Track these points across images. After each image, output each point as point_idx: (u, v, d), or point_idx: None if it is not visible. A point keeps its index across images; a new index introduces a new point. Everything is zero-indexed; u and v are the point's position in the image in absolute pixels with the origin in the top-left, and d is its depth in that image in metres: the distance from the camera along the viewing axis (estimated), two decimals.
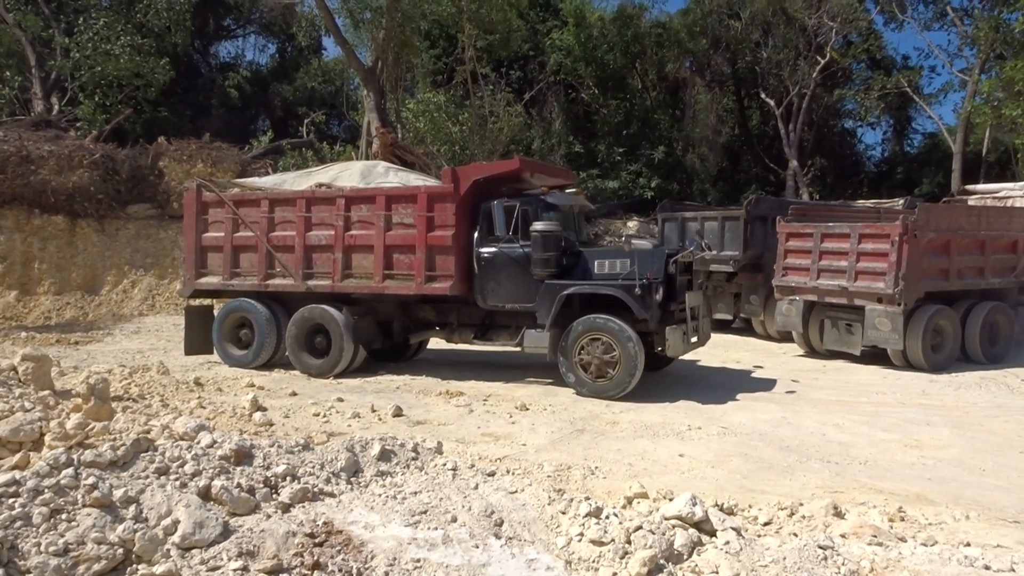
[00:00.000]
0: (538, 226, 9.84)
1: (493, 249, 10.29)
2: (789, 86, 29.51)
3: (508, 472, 5.70)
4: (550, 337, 9.85)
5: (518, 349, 10.43)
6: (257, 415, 8.06)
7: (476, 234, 10.42)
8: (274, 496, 4.78)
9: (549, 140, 28.80)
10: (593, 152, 28.67)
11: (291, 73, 37.05)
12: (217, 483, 4.57)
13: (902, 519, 5.01)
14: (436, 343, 12.55)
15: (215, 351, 11.83)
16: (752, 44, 30.83)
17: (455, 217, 10.28)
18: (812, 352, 13.28)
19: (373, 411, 8.63)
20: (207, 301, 12.53)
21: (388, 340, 11.70)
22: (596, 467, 6.73)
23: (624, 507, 5.21)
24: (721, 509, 5.11)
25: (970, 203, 14.71)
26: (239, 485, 4.70)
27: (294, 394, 9.58)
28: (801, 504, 5.20)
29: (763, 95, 31.01)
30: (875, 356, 12.46)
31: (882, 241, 11.38)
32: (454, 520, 4.67)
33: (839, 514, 4.91)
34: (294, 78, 36.69)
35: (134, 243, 20.29)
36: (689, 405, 9.38)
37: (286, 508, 4.68)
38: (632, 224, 24.56)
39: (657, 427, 8.23)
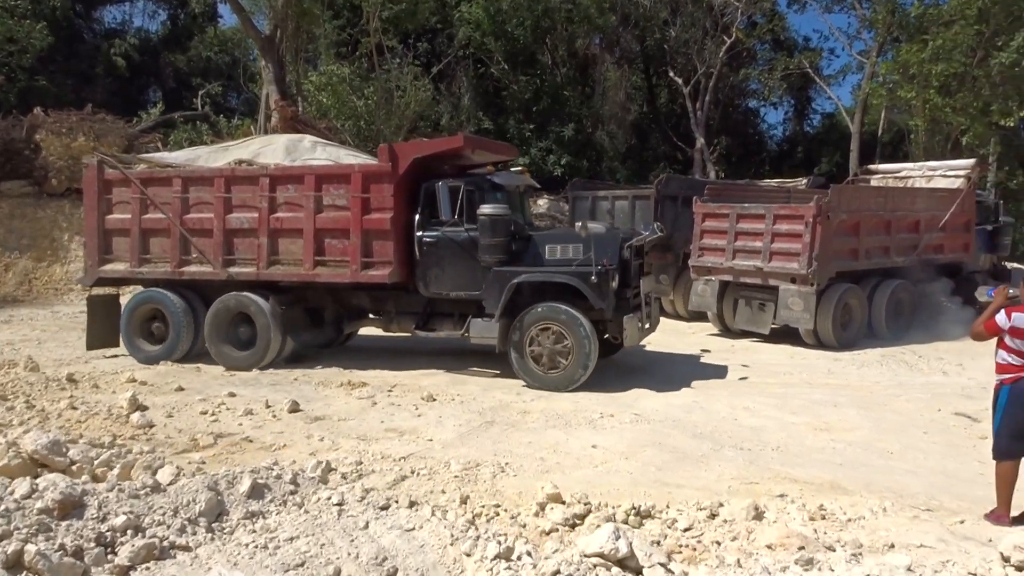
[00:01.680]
0: (486, 209, 9.24)
1: (436, 233, 9.59)
2: (697, 65, 29.74)
3: (407, 500, 5.00)
4: (499, 327, 9.25)
5: (460, 337, 9.80)
6: (135, 416, 7.35)
7: (417, 217, 9.67)
8: (110, 557, 3.92)
9: (458, 116, 28.15)
10: (503, 128, 28.18)
11: (184, 42, 34.99)
12: (32, 547, 3.68)
13: (823, 517, 4.82)
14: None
15: (124, 346, 10.75)
16: (660, 22, 30.90)
17: (393, 199, 9.52)
18: (726, 331, 13.31)
19: (267, 407, 8.03)
20: (112, 289, 11.33)
21: (319, 329, 10.87)
22: (506, 463, 6.35)
23: (536, 514, 4.84)
24: (639, 514, 4.82)
25: (872, 183, 15.02)
26: (62, 547, 3.84)
27: (181, 389, 8.84)
28: (721, 504, 4.96)
29: (671, 73, 31.18)
30: (783, 334, 12.56)
31: (796, 222, 11.43)
32: (338, 573, 4.04)
33: (759, 515, 4.68)
34: (188, 47, 34.69)
35: (7, 223, 18.72)
36: (602, 389, 9.12)
37: (124, 573, 3.86)
38: (542, 202, 24.28)
39: (569, 416, 7.93)
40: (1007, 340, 4.68)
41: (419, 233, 9.65)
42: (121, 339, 10.77)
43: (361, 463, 6.24)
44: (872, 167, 16.36)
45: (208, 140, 21.88)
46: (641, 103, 33.59)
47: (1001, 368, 4.77)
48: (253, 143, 11.51)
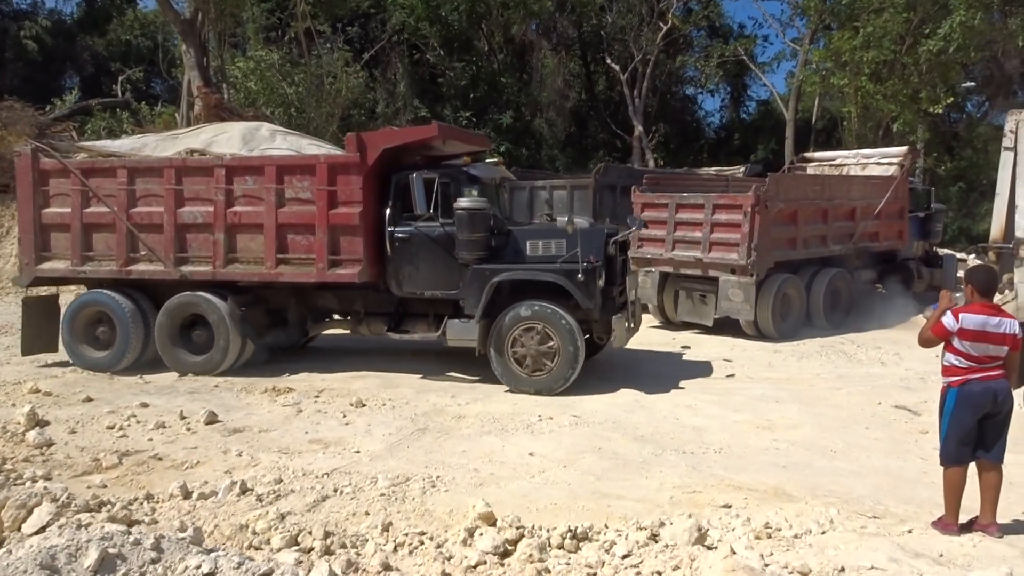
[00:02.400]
0: (463, 203, 8.65)
1: (409, 228, 8.97)
2: (634, 51, 29.61)
3: (300, 554, 4.34)
4: (479, 328, 8.72)
5: (436, 339, 9.18)
6: (33, 434, 6.73)
7: (388, 211, 9.02)
8: None
9: (394, 103, 27.46)
10: (440, 116, 27.55)
11: (102, 24, 33.32)
12: None
13: (768, 535, 4.56)
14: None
15: (65, 352, 9.90)
16: (597, 8, 30.66)
17: (362, 191, 8.88)
18: (667, 323, 13.12)
19: (182, 418, 7.46)
20: (50, 289, 10.45)
21: (281, 332, 10.14)
22: (438, 476, 5.96)
23: (464, 541, 4.46)
24: (575, 537, 4.48)
25: (809, 171, 15.03)
26: None
27: (88, 400, 8.18)
28: (662, 524, 4.65)
29: (609, 60, 31.01)
30: (724, 325, 12.43)
31: (735, 212, 11.27)
32: None
33: (703, 536, 4.38)
34: (106, 30, 33.06)
35: None
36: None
37: None
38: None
39: (506, 419, 7.57)
40: (955, 342, 4.47)
41: (390, 228, 9.00)
42: (61, 344, 9.94)
43: (280, 481, 5.79)
44: (808, 155, 16.40)
45: (129, 129, 20.85)
46: (579, 90, 33.39)
47: (948, 371, 4.56)
48: (205, 131, 10.57)
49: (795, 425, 7.41)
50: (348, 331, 9.95)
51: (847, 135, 22.38)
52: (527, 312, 8.54)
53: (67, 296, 10.76)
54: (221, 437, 6.97)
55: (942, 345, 4.65)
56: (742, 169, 16.90)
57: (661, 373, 9.72)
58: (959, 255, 17.58)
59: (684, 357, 10.83)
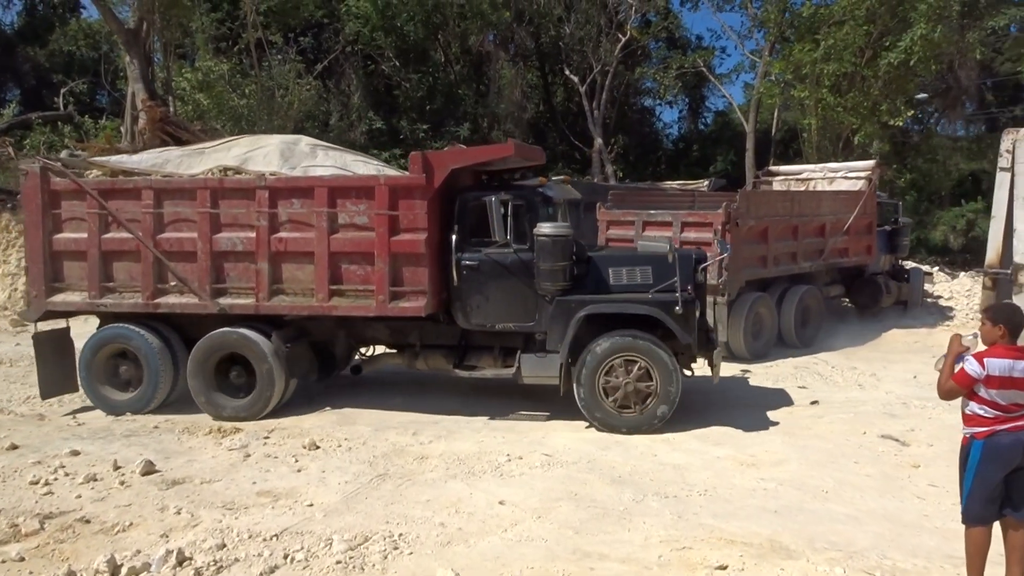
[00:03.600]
0: (545, 228, 7.91)
1: (478, 256, 8.20)
2: (592, 63, 29.37)
3: None
4: (559, 364, 8.01)
5: (509, 377, 8.37)
6: None
7: (455, 237, 8.23)
8: None
9: (348, 115, 26.78)
10: (396, 129, 27.01)
11: (44, 35, 32.01)
12: None
13: None
14: None
15: (87, 395, 8.97)
16: (555, 19, 30.38)
17: (427, 216, 8.04)
18: None
19: (116, 468, 6.74)
20: (60, 322, 9.34)
21: (323, 367, 9.36)
22: (400, 535, 5.39)
23: None
24: None
25: (775, 185, 14.79)
26: None
27: (14, 447, 7.40)
28: None
29: (567, 71, 30.72)
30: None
31: (705, 230, 10.88)
32: None
33: None
34: (48, 40, 31.75)
35: None
36: (506, 424, 8.27)
37: None
38: None
39: (472, 460, 7.01)
40: (980, 391, 4.01)
41: (458, 255, 8.20)
42: (81, 386, 9.02)
43: (224, 547, 5.16)
44: (773, 168, 16.19)
45: (70, 144, 19.83)
46: (538, 102, 33.04)
47: (972, 420, 4.10)
48: (237, 146, 9.42)
49: (781, 461, 6.97)
50: (403, 364, 9.01)
51: (807, 147, 22.33)
52: (621, 344, 7.83)
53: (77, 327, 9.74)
54: (158, 491, 6.28)
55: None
56: (706, 183, 16.63)
57: None
58: (925, 268, 17.51)
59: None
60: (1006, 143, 5.94)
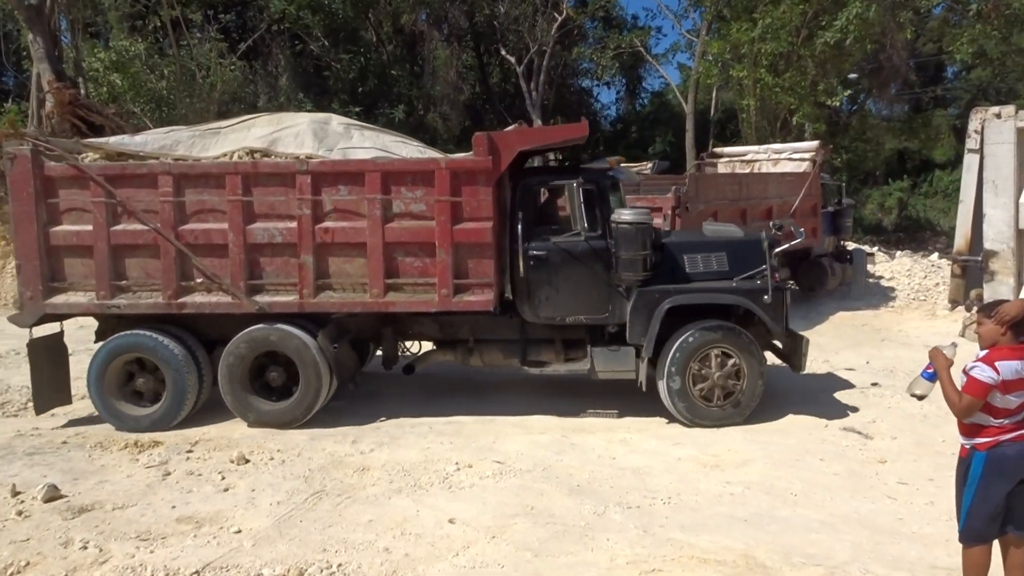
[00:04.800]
0: (625, 215, 7.45)
1: (547, 245, 7.69)
2: (528, 43, 28.80)
3: None
4: (635, 357, 7.67)
5: (583, 372, 7.92)
6: None
7: (520, 224, 7.68)
8: None
9: (276, 98, 25.63)
10: (327, 110, 25.77)
11: None
12: None
13: None
14: None
15: (101, 413, 7.93)
16: None
17: (494, 203, 7.46)
18: None
19: (14, 495, 6.01)
20: (51, 326, 8.22)
21: (362, 365, 8.74)
22: (339, 565, 4.84)
23: None
24: None
25: (720, 167, 14.54)
26: None
27: None
28: None
29: (503, 52, 30.08)
30: None
31: (654, 215, 10.44)
32: None
33: None
34: None
35: None
36: (453, 427, 7.74)
37: None
38: None
39: (418, 471, 6.47)
40: (996, 399, 3.61)
41: (525, 245, 7.67)
42: (95, 403, 7.92)
43: None
44: (718, 150, 15.96)
45: None
46: (474, 83, 32.36)
47: (972, 429, 3.71)
48: (257, 125, 8.24)
49: (745, 461, 6.62)
50: (455, 361, 8.38)
51: (745, 128, 22.26)
52: (713, 336, 7.46)
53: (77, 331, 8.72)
54: (63, 521, 5.56)
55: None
56: (650, 166, 16.32)
57: (583, 395, 8.82)
58: (867, 249, 17.58)
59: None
60: (974, 123, 5.66)
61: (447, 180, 7.37)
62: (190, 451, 7.07)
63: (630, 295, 7.62)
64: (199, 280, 7.68)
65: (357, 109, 25.62)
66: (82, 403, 8.66)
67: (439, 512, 5.62)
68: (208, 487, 6.20)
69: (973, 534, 3.75)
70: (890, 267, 16.52)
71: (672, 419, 7.73)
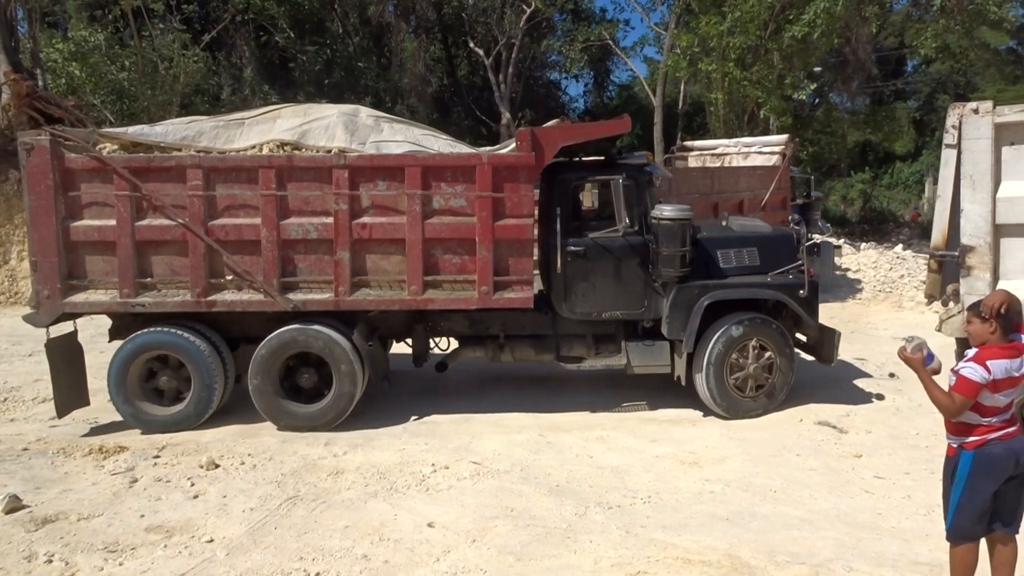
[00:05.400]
0: (667, 211, 7.53)
1: (584, 240, 7.70)
2: (497, 35, 28.62)
3: None
4: (671, 352, 7.82)
5: (620, 367, 7.98)
6: None
7: (559, 220, 7.64)
8: None
9: (241, 90, 25.21)
10: (293, 103, 25.62)
11: None
12: None
13: None
14: None
15: (123, 415, 7.70)
16: None
17: (534, 199, 7.44)
18: None
19: None
20: (66, 325, 7.89)
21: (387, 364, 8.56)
22: (318, 574, 4.72)
23: None
24: None
25: (690, 161, 14.56)
26: None
27: None
28: None
29: (472, 44, 29.86)
30: None
31: None
32: None
33: None
34: None
35: None
36: (427, 427, 7.64)
37: None
38: None
39: (394, 473, 6.37)
40: (986, 398, 3.60)
41: (563, 241, 7.66)
42: (117, 404, 7.69)
43: None
44: (688, 144, 15.97)
45: None
46: (441, 75, 32.11)
47: (960, 428, 3.70)
48: (284, 116, 8.01)
49: (723, 458, 6.61)
50: (484, 358, 8.31)
51: (713, 121, 22.34)
52: (750, 328, 7.63)
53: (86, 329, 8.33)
54: (26, 533, 5.36)
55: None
56: None
57: (558, 392, 8.78)
58: (833, 241, 17.74)
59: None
60: (952, 118, 5.66)
61: (488, 176, 7.30)
62: (157, 456, 6.87)
63: (667, 290, 7.71)
64: (229, 277, 7.47)
65: (323, 101, 25.30)
66: (44, 407, 8.44)
67: (417, 516, 5.52)
68: (177, 494, 6.03)
69: (961, 532, 3.74)
70: (856, 259, 16.70)
71: (646, 415, 7.70)
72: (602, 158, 8.31)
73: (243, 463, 6.66)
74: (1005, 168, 5.46)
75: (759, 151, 13.87)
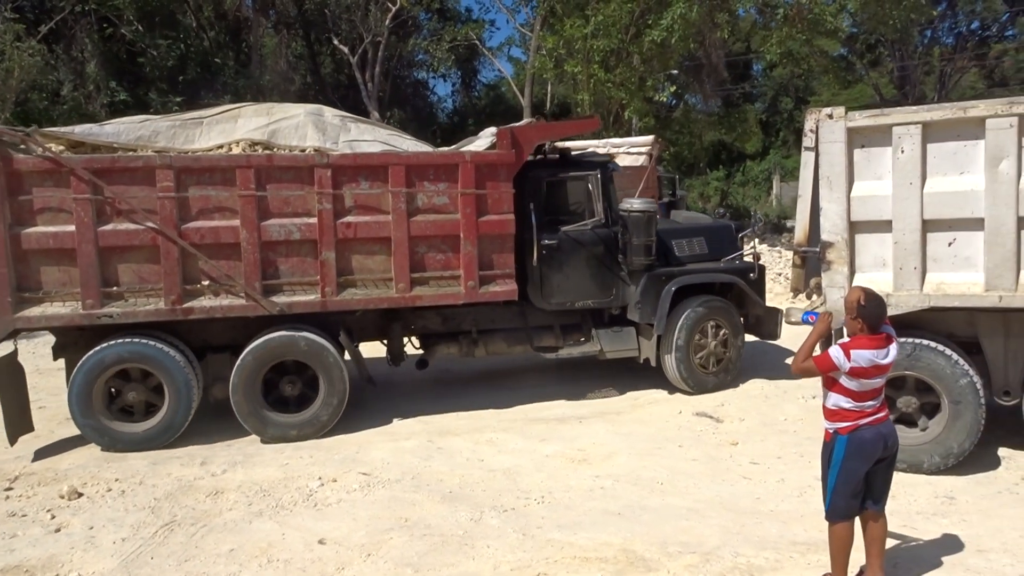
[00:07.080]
0: (636, 204, 8.13)
1: (558, 235, 8.07)
2: (363, 33, 28.08)
3: None
4: (638, 336, 8.45)
5: (593, 354, 8.52)
6: None
7: (534, 216, 7.90)
8: None
9: (84, 86, 23.47)
10: (144, 101, 24.05)
11: None
12: None
13: None
14: None
15: (87, 434, 7.15)
16: None
17: (513, 195, 7.61)
18: None
19: None
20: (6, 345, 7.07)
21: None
22: None
23: None
24: None
25: None
26: None
27: None
28: None
29: (336, 41, 29.17)
30: None
31: None
32: None
33: None
34: None
35: None
36: (311, 440, 7.38)
37: None
38: None
39: (279, 490, 6.12)
40: (844, 381, 3.91)
41: (540, 235, 7.96)
42: (80, 423, 7.10)
43: None
44: (558, 145, 16.18)
45: None
46: (305, 72, 31.17)
47: (835, 415, 3.99)
48: (245, 115, 7.72)
49: (610, 454, 6.76)
50: (457, 354, 8.47)
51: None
52: (709, 310, 8.35)
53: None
54: None
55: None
56: None
57: (445, 395, 8.73)
58: None
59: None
60: (809, 123, 6.04)
61: (471, 173, 7.48)
62: (9, 489, 6.30)
63: (635, 278, 8.29)
64: (206, 283, 7.14)
65: (178, 99, 23.98)
66: None
67: (307, 533, 5.33)
68: (36, 529, 5.53)
69: (838, 511, 4.02)
70: None
71: (533, 414, 7.78)
72: (557, 156, 8.63)
73: (110, 489, 6.21)
74: (857, 169, 5.86)
75: (627, 151, 14.26)
